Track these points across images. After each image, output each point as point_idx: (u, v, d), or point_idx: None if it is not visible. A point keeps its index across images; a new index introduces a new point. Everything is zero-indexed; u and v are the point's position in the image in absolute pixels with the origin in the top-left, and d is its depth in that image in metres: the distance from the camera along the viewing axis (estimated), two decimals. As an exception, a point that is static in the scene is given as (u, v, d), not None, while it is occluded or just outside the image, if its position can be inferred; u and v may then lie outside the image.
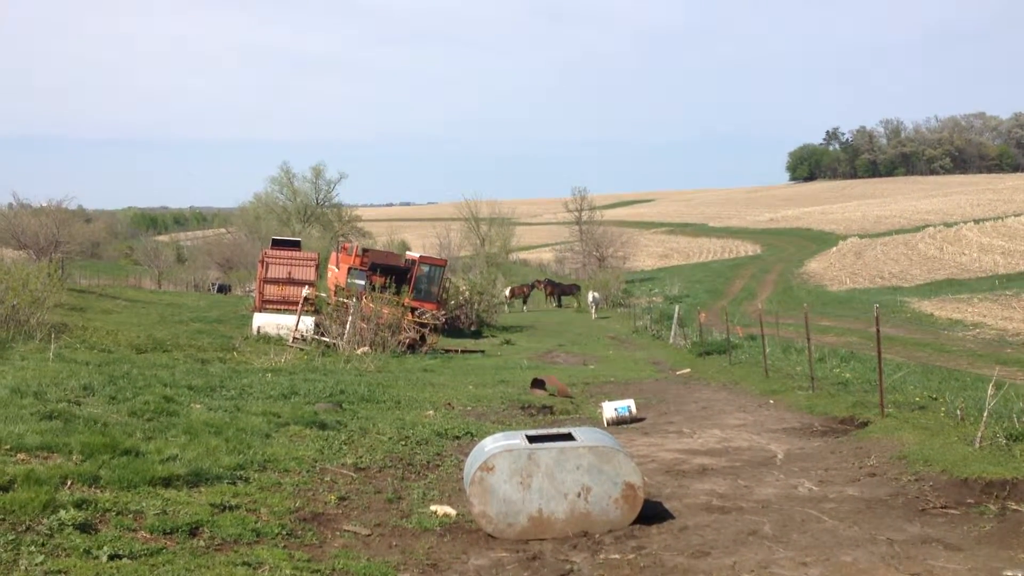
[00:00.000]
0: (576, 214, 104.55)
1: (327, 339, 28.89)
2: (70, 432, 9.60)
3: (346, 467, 10.61)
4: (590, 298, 58.53)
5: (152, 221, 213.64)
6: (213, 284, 71.14)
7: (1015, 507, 8.83)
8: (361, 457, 11.19)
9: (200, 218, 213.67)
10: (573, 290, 69.01)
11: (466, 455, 10.42)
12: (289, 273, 34.26)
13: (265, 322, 31.25)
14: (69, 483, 7.89)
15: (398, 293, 33.69)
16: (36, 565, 6.18)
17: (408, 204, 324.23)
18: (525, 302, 65.25)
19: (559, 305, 67.97)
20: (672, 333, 38.22)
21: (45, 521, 6.91)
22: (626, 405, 16.29)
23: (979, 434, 11.02)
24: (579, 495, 8.61)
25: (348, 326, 28.81)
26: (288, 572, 6.84)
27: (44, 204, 68.26)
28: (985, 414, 11.31)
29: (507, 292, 63.67)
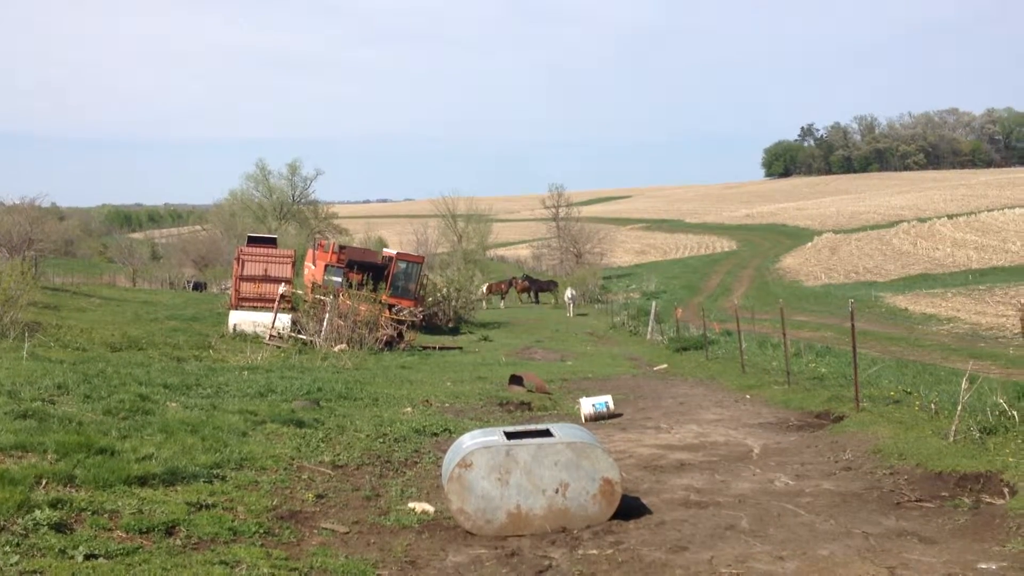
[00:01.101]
0: (553, 211, 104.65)
1: (304, 336, 28.79)
2: (44, 431, 9.52)
3: (324, 465, 10.58)
4: (567, 295, 58.27)
5: (126, 219, 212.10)
6: (188, 282, 70.58)
7: (989, 500, 8.92)
8: (339, 455, 11.17)
9: (175, 215, 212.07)
10: (550, 286, 69.08)
11: (444, 452, 10.42)
12: (265, 270, 34.08)
13: (241, 320, 31.08)
14: (44, 482, 7.82)
15: (375, 290, 33.66)
16: (11, 565, 6.13)
17: (385, 201, 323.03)
18: (503, 299, 65.28)
19: (536, 301, 68.05)
20: (649, 329, 38.35)
21: (20, 521, 6.84)
22: (604, 401, 16.32)
23: (953, 428, 11.12)
24: (557, 491, 8.62)
25: (325, 323, 28.72)
26: (266, 571, 6.81)
27: (17, 202, 67.67)
28: (959, 408, 11.41)
29: (484, 288, 63.65)
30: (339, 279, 35.97)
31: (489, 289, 64.72)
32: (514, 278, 71.87)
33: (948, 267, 66.29)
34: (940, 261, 70.17)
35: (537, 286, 69.45)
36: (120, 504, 7.71)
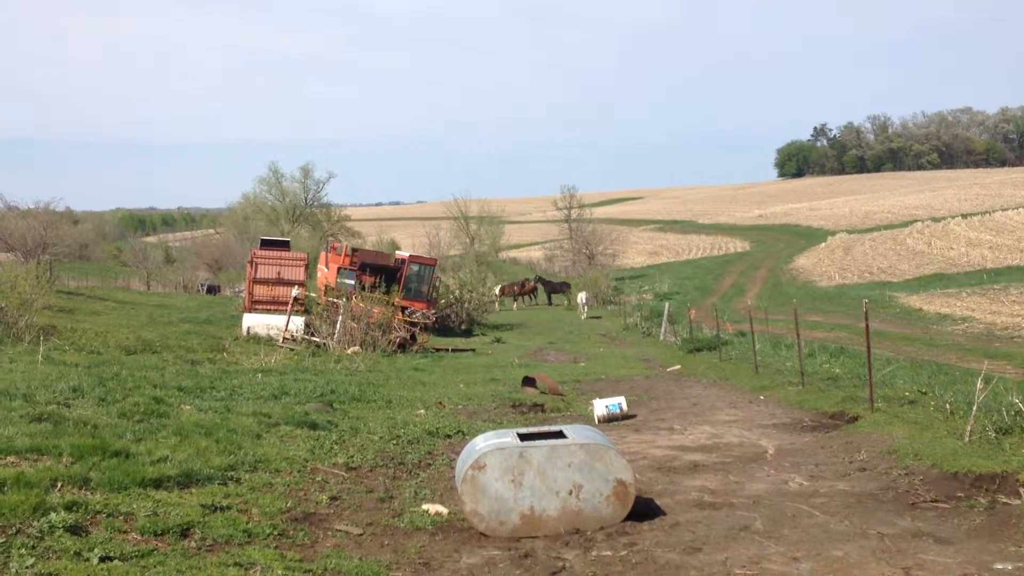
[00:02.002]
0: (565, 212, 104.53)
1: (317, 339, 28.84)
2: (60, 434, 9.57)
3: (337, 467, 10.60)
4: (580, 299, 57.53)
5: (140, 222, 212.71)
6: (202, 285, 70.93)
7: (1005, 500, 8.87)
8: (352, 456, 11.19)
9: (188, 219, 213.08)
10: (563, 288, 68.94)
11: (457, 454, 10.42)
12: (278, 273, 34.18)
13: (255, 322, 31.19)
14: (59, 485, 7.86)
15: (388, 292, 33.68)
16: (27, 568, 6.16)
17: (397, 204, 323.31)
18: (515, 300, 65.25)
19: (549, 303, 67.97)
20: (662, 330, 38.27)
21: (35, 523, 6.87)
22: (617, 402, 16.30)
23: (968, 428, 11.06)
24: (571, 492, 8.61)
25: (338, 326, 28.77)
26: (280, 572, 6.83)
27: (31, 206, 68.10)
28: (974, 408, 11.36)
29: (498, 290, 63.57)
30: (352, 282, 36.03)
31: (502, 291, 64.69)
32: (526, 279, 71.78)
33: (962, 267, 65.89)
34: (954, 261, 69.77)
35: (550, 287, 69.33)
36: (135, 506, 7.74)
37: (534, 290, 68.45)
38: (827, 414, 15.21)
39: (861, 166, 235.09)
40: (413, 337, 31.77)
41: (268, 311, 32.28)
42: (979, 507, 8.78)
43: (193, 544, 7.24)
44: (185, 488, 8.59)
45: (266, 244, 38.22)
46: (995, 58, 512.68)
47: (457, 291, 47.19)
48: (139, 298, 49.57)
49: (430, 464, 11.49)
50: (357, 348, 27.27)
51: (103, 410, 11.69)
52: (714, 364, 25.36)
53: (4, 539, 6.57)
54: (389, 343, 28.99)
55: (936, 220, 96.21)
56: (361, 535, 8.34)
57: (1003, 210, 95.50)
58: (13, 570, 6.11)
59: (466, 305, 46.78)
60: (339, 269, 37.49)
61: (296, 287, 32.20)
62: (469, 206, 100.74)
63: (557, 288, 69.24)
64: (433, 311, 39.20)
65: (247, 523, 7.91)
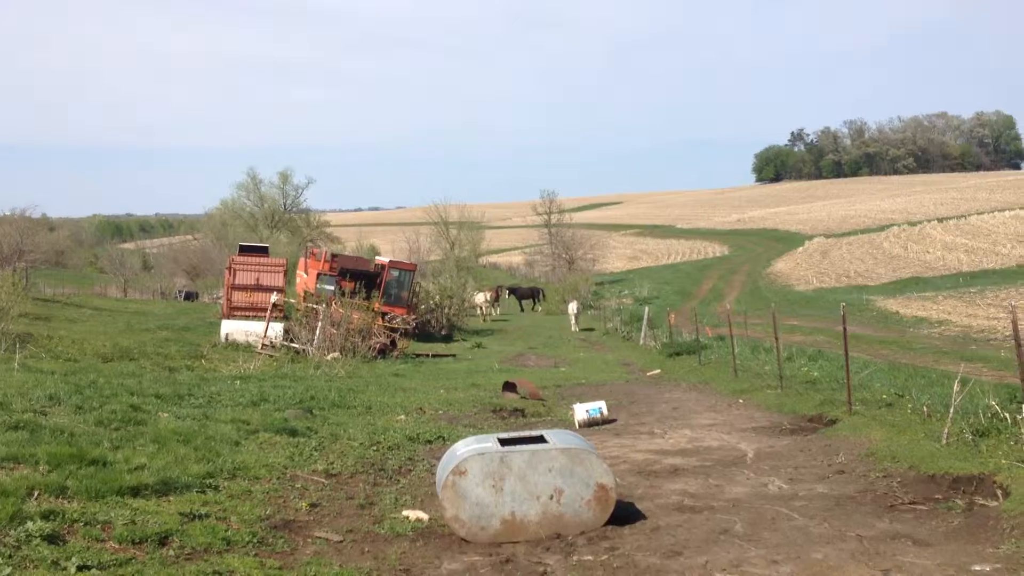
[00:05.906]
0: (545, 217, 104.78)
1: (296, 345, 28.72)
2: (36, 442, 9.49)
3: (317, 473, 10.56)
4: (571, 308, 51.44)
5: (117, 229, 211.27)
6: (180, 291, 70.50)
7: (982, 502, 8.93)
8: (332, 463, 11.15)
9: (166, 225, 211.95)
10: (534, 293, 68.82)
11: (438, 459, 10.39)
12: (257, 279, 34.03)
13: (233, 329, 31.01)
14: (36, 494, 7.79)
15: (368, 298, 33.60)
16: (3, 578, 6.10)
17: (377, 209, 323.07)
18: (494, 306, 65.16)
19: (521, 309, 67.89)
20: (642, 334, 38.32)
21: (12, 533, 6.82)
22: (597, 407, 16.32)
23: (945, 430, 11.13)
24: (552, 497, 8.61)
25: (318, 332, 28.66)
26: (260, 580, 6.79)
27: (7, 213, 67.52)
28: (951, 411, 11.43)
29: (488, 294, 62.68)
30: (331, 287, 35.90)
31: (495, 295, 64.35)
32: (499, 286, 71.72)
33: (939, 270, 66.46)
34: (931, 264, 70.35)
35: (519, 294, 69.21)
36: (113, 515, 7.68)
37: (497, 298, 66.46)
38: (806, 417, 15.27)
39: (838, 171, 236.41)
40: (393, 343, 31.71)
41: (247, 317, 32.12)
42: (957, 509, 8.84)
43: (172, 552, 7.19)
44: (163, 496, 8.53)
45: (244, 250, 38.06)
46: (970, 63, 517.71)
47: (437, 297, 47.11)
48: (116, 305, 49.24)
49: (410, 470, 11.46)
50: (337, 354, 27.17)
51: (80, 418, 11.60)
52: (693, 368, 25.43)
53: (-20, 549, 6.50)
54: (369, 349, 28.92)
55: (912, 224, 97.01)
56: (341, 542, 8.30)
57: (979, 214, 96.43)
58: (-11, 580, 6.06)
59: (446, 311, 46.72)
60: (318, 275, 37.36)
61: (275, 293, 32.06)
62: (449, 211, 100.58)
63: (526, 294, 69.04)
64: (413, 316, 39.11)
65: (226, 531, 7.86)
